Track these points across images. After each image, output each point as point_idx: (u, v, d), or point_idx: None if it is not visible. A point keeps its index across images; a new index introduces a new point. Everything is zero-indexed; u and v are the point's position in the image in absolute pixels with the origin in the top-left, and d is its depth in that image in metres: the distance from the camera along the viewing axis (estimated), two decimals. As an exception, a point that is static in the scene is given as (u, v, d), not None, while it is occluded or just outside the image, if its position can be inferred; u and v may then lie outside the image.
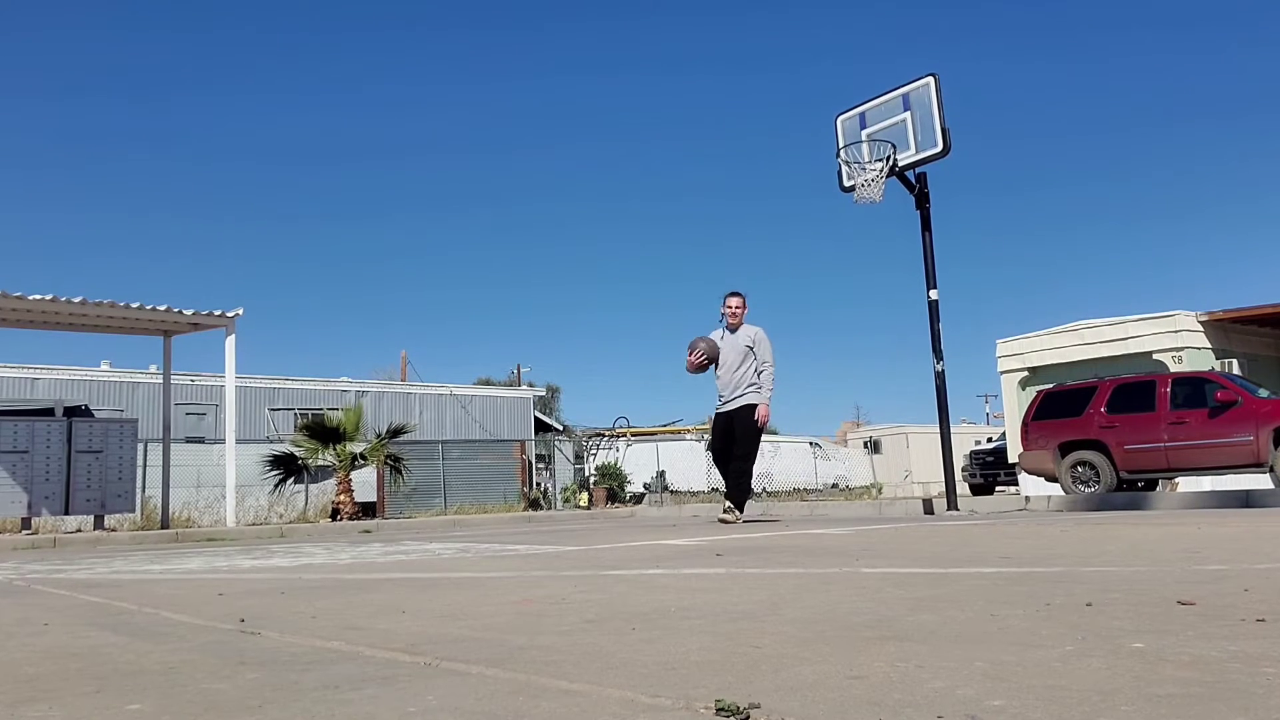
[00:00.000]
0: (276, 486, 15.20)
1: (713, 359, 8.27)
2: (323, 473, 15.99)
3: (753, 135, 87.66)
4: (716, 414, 8.47)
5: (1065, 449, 13.29)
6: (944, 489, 9.46)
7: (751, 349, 8.22)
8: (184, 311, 12.13)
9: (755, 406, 8.12)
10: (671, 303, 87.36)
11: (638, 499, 21.13)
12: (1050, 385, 14.97)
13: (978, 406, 58.98)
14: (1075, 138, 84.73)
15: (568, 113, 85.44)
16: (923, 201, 9.36)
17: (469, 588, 3.09)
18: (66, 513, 11.74)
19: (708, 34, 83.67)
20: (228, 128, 74.49)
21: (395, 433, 15.74)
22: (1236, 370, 16.85)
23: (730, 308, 8.37)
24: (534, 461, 23.91)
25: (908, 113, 9.35)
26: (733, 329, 8.36)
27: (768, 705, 1.23)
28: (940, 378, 9.27)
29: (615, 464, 22.25)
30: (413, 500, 18.25)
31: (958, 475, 13.29)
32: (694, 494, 23.96)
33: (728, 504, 8.13)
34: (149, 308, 11.79)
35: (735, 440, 8.16)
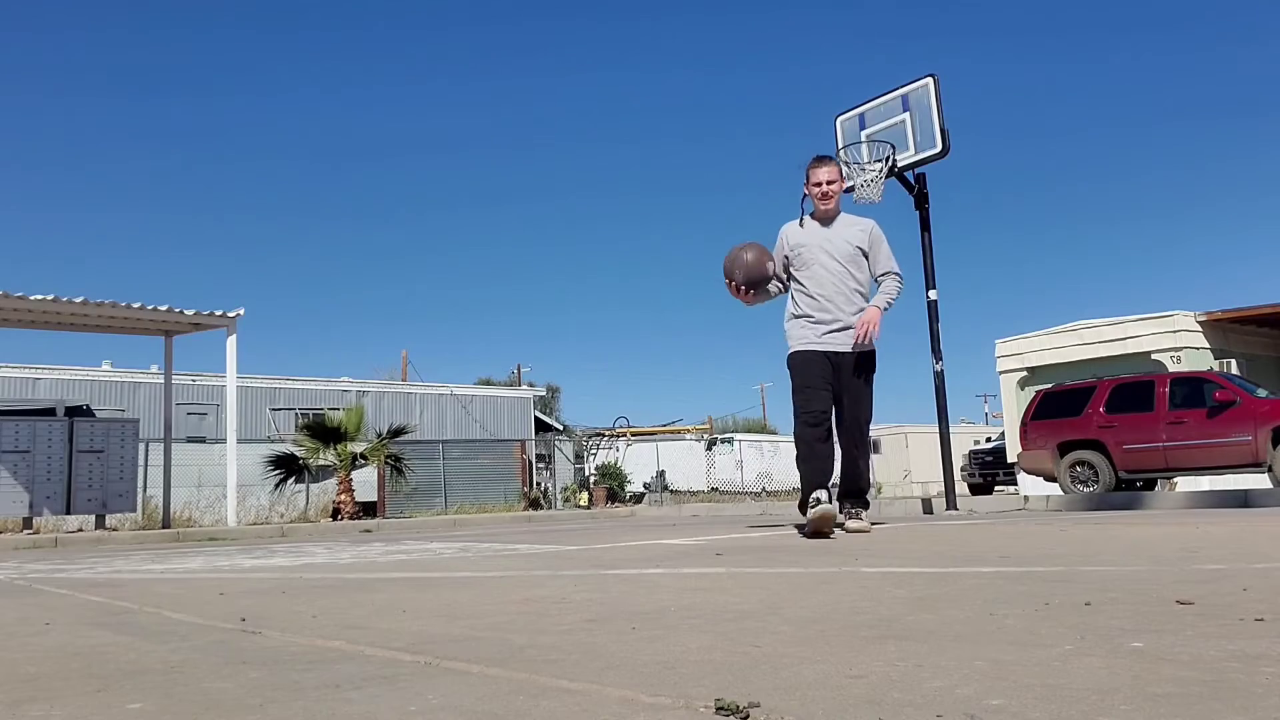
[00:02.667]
0: (277, 486, 15.24)
1: (762, 277, 5.29)
2: (323, 472, 16.01)
3: (753, 134, 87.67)
4: (808, 352, 5.27)
5: (1064, 449, 13.31)
6: (943, 489, 9.47)
7: (864, 251, 5.31)
8: (185, 311, 12.14)
9: (874, 353, 5.33)
10: (672, 302, 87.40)
11: (638, 499, 21.14)
12: (1049, 385, 14.98)
13: (977, 406, 59.03)
14: (1074, 137, 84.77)
15: (568, 111, 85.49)
16: (922, 202, 9.37)
17: (469, 587, 3.10)
18: (68, 512, 11.76)
19: (708, 33, 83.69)
20: (228, 127, 74.51)
21: (396, 433, 15.78)
22: (1235, 370, 16.86)
23: (821, 183, 5.31)
24: (534, 461, 23.93)
25: (907, 113, 9.37)
26: (826, 218, 5.35)
27: (767, 704, 1.23)
28: (939, 378, 9.28)
29: (615, 464, 22.27)
30: (413, 500, 18.27)
31: (957, 475, 13.28)
32: (694, 494, 23.99)
33: (845, 506, 5.27)
34: (150, 308, 11.81)
35: (847, 397, 5.25)
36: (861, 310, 5.25)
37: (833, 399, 5.24)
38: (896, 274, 5.32)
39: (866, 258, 5.33)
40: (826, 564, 3.34)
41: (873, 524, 5.36)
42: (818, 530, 4.86)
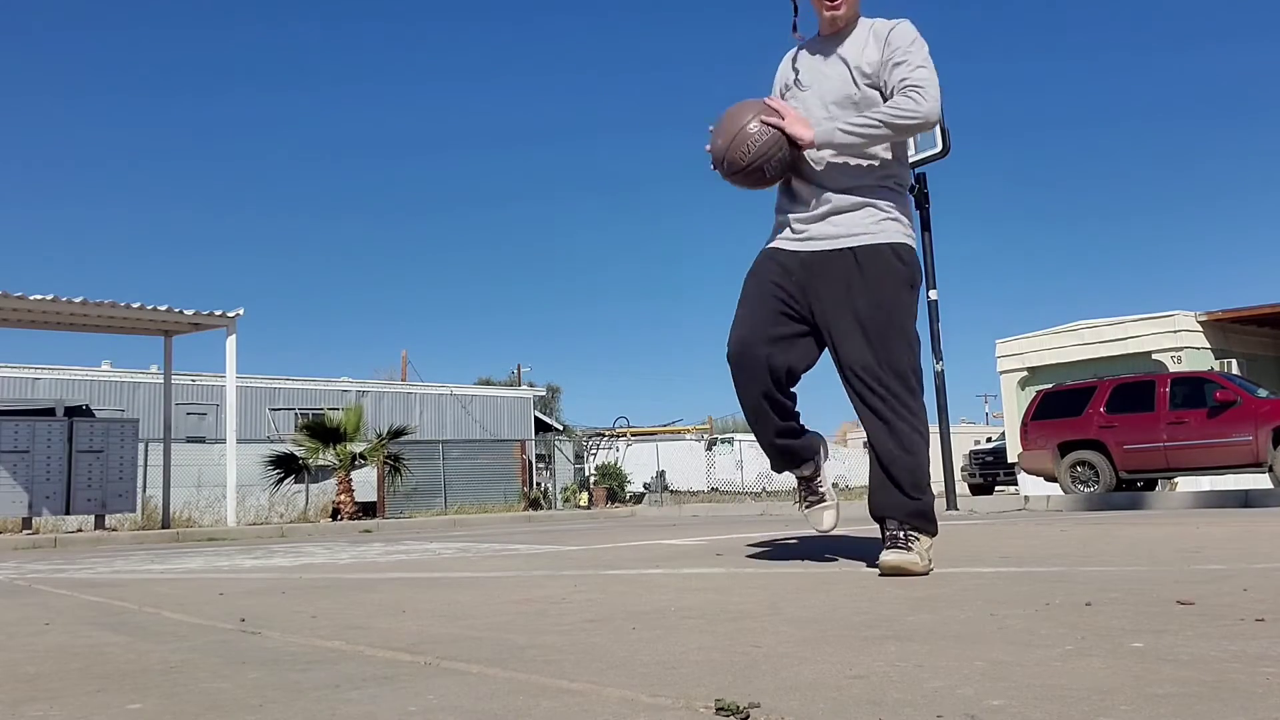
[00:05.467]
0: (277, 486, 15.23)
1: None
2: (323, 472, 16.01)
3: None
4: (772, 253, 3.20)
5: (1064, 449, 13.31)
6: (943, 489, 9.48)
7: (870, 76, 3.03)
8: (185, 311, 12.15)
9: (899, 247, 3.05)
10: (672, 302, 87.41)
11: (638, 499, 21.14)
12: (1050, 385, 14.99)
13: (977, 406, 59.07)
14: (1075, 136, 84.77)
15: (568, 110, 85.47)
16: (923, 202, 9.38)
17: (469, 587, 3.10)
18: (67, 512, 11.76)
19: (709, 31, 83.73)
20: (227, 126, 74.51)
21: (396, 433, 15.78)
22: (1236, 370, 16.86)
23: None
24: (534, 461, 23.94)
25: (908, 113, 9.37)
26: (834, 34, 3.17)
27: (767, 705, 1.23)
28: (940, 378, 9.29)
29: (615, 464, 22.26)
30: (413, 500, 18.26)
31: (957, 475, 13.29)
32: (694, 494, 24.00)
33: (903, 531, 2.89)
34: (150, 308, 11.81)
35: (847, 330, 3.00)
36: (880, 182, 3.06)
37: (814, 335, 3.08)
38: (917, 88, 2.90)
39: (882, 88, 3.01)
40: (827, 564, 3.34)
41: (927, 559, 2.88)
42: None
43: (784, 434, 3.20)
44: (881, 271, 3.00)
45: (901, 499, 2.94)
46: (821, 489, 3.39)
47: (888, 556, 2.85)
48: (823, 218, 3.08)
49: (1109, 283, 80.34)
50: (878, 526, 3.00)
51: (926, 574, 2.80)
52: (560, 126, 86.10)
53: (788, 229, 3.18)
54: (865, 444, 3.15)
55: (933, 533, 2.96)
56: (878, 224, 3.05)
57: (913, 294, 3.08)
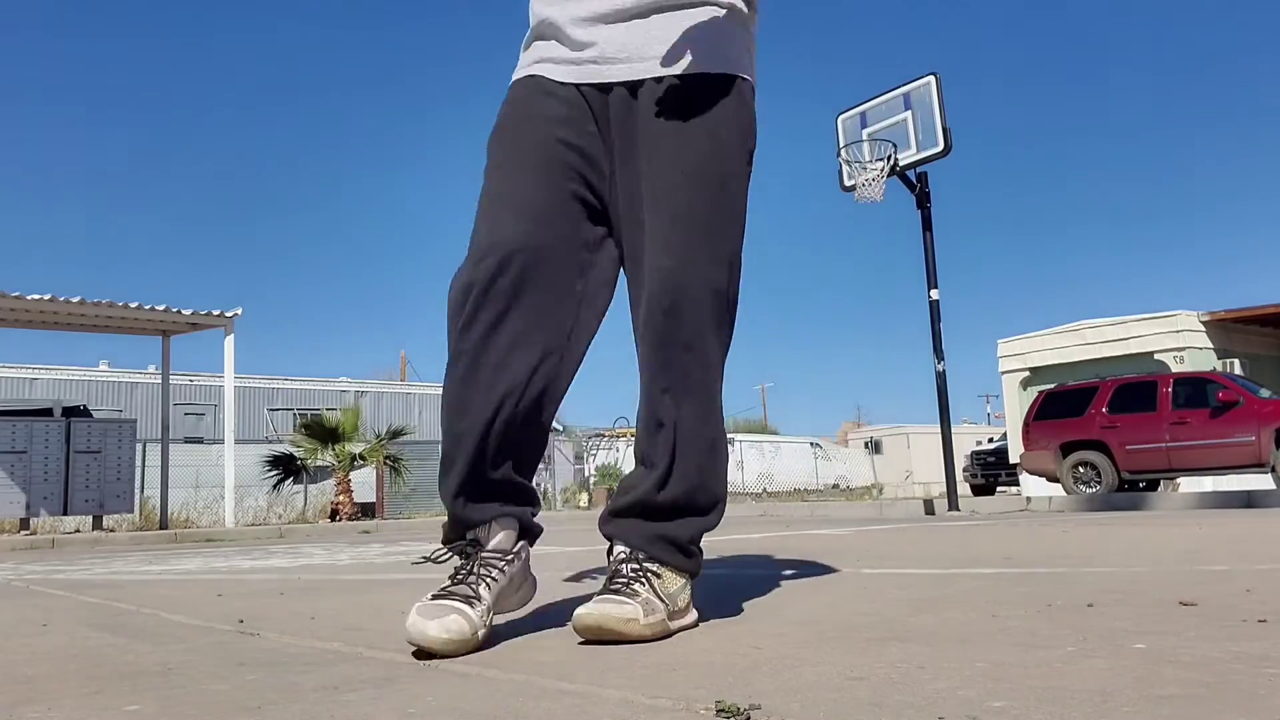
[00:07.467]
0: (275, 487, 15.25)
1: None
2: (321, 473, 16.02)
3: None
4: (533, 81, 1.86)
5: (1066, 449, 13.31)
6: (945, 489, 9.47)
7: None
8: (182, 311, 12.15)
9: (734, 83, 1.75)
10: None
11: (638, 499, 21.14)
12: (1051, 385, 14.99)
13: (979, 406, 59.12)
14: (1077, 136, 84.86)
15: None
16: (923, 201, 9.38)
17: (469, 588, 3.08)
18: (65, 513, 11.76)
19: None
20: (227, 126, 74.53)
21: (395, 434, 15.79)
22: (1238, 370, 16.86)
23: None
24: (534, 462, 23.89)
25: (909, 112, 9.38)
26: None
27: (768, 706, 1.22)
28: (941, 378, 9.28)
29: (615, 464, 22.28)
30: (412, 500, 18.25)
31: (959, 476, 13.30)
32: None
33: (617, 544, 1.81)
34: (147, 308, 11.81)
35: (646, 213, 1.74)
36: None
37: (598, 222, 1.86)
38: None
39: None
40: (827, 566, 3.33)
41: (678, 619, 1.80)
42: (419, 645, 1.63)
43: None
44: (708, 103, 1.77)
45: (668, 534, 1.82)
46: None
47: (597, 611, 1.65)
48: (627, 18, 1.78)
49: (1111, 282, 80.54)
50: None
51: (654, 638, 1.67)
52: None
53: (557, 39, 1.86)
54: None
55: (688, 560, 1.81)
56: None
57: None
